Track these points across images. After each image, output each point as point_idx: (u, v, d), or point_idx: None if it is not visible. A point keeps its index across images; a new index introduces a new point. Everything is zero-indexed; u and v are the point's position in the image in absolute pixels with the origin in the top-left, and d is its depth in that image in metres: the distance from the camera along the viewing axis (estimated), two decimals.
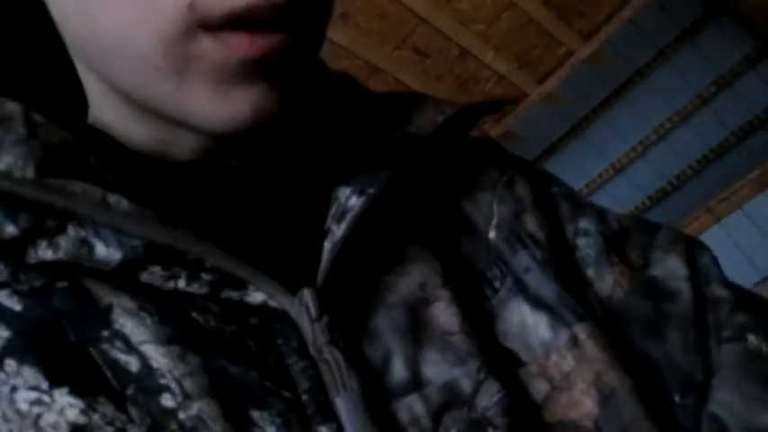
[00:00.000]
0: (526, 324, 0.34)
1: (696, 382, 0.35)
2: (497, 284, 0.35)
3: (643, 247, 0.40)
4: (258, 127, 0.29)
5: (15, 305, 0.27)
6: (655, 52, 3.34)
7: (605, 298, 0.38)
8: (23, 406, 0.25)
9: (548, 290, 0.35)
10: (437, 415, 0.30)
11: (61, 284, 0.28)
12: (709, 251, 0.41)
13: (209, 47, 0.27)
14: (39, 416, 0.25)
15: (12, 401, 0.25)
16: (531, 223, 0.38)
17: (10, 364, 0.26)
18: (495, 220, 0.37)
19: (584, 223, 0.40)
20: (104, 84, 0.32)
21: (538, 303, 0.34)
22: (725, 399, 0.34)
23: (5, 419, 0.25)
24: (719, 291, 0.39)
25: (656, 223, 0.43)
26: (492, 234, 0.37)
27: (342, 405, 0.28)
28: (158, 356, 0.27)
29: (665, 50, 3.32)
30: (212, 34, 0.27)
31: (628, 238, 0.40)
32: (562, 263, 0.37)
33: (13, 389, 0.25)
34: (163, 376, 0.27)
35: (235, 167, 0.34)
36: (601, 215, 0.41)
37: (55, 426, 0.25)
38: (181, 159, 0.33)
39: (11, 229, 0.26)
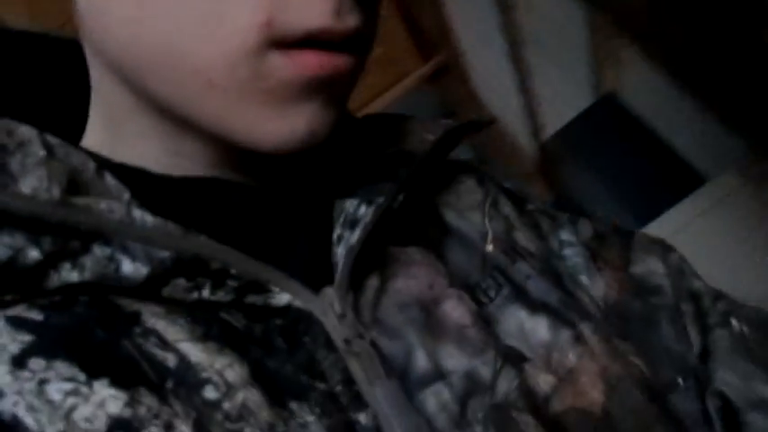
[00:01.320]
0: (524, 327, 0.35)
1: (691, 365, 0.39)
2: (492, 294, 0.36)
3: (622, 247, 0.45)
4: (307, 147, 0.29)
5: (36, 315, 0.26)
6: None
7: (601, 300, 0.41)
8: (56, 396, 0.24)
9: (550, 294, 0.37)
10: (463, 401, 0.31)
11: (83, 298, 0.27)
12: (677, 251, 0.46)
13: (279, 64, 0.27)
14: (73, 408, 0.24)
15: (40, 393, 0.24)
16: (522, 239, 0.41)
17: (36, 362, 0.24)
18: (490, 235, 0.39)
19: (565, 235, 0.44)
20: (133, 95, 0.31)
21: (537, 308, 0.36)
22: (724, 377, 0.39)
23: (33, 410, 0.23)
24: (696, 283, 0.44)
25: (626, 228, 0.47)
26: (489, 248, 0.39)
27: (380, 393, 0.29)
28: (197, 352, 0.27)
29: None
30: (283, 52, 0.27)
31: (603, 242, 0.44)
32: (555, 272, 0.40)
33: (43, 381, 0.24)
34: (204, 370, 0.26)
35: (240, 182, 0.34)
36: (573, 222, 0.45)
37: (90, 419, 0.24)
38: (188, 174, 0.33)
39: (34, 254, 0.25)
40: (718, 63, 0.95)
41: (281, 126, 0.28)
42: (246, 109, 0.28)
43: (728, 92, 0.97)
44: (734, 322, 0.42)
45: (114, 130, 0.33)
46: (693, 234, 1.28)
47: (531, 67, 2.14)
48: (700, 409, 0.38)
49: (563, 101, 2.06)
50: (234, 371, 0.27)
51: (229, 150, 0.31)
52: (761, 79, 0.87)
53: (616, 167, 1.35)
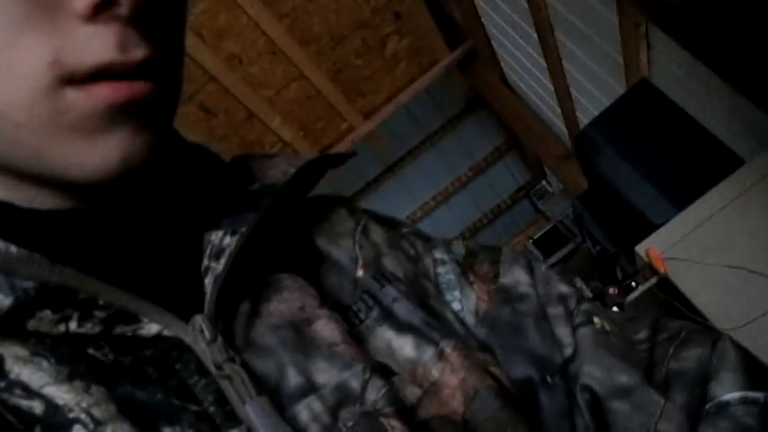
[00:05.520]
0: (392, 346, 0.38)
1: (557, 363, 0.43)
2: (362, 316, 0.39)
3: (491, 261, 0.48)
4: (126, 173, 0.30)
5: None
6: (423, 137, 3.68)
7: (473, 312, 0.45)
8: None
9: (414, 316, 0.40)
10: (334, 411, 0.33)
11: None
12: (542, 262, 0.50)
13: (75, 98, 0.28)
14: None
15: None
16: (390, 264, 0.43)
17: None
18: (360, 262, 0.42)
19: (438, 254, 0.47)
20: None
21: (403, 328, 0.39)
22: (589, 371, 0.42)
23: None
24: (563, 288, 0.47)
25: (495, 245, 0.51)
26: (360, 273, 0.41)
27: (251, 410, 0.31)
28: (62, 394, 0.28)
29: (432, 136, 3.68)
30: (77, 86, 0.27)
31: (475, 258, 0.48)
32: (423, 292, 0.43)
33: None
34: (71, 410, 0.27)
35: (101, 214, 0.35)
36: (446, 244, 0.49)
37: None
38: (54, 207, 0.33)
39: None
40: (748, 45, 0.96)
41: (93, 156, 0.29)
42: (57, 145, 0.28)
43: (761, 73, 0.97)
44: (596, 320, 0.45)
45: None
46: (732, 215, 1.29)
47: (560, 52, 2.14)
48: (567, 402, 0.42)
49: (594, 84, 2.06)
50: (101, 408, 0.28)
51: (72, 185, 0.31)
52: None
53: (653, 153, 1.35)
